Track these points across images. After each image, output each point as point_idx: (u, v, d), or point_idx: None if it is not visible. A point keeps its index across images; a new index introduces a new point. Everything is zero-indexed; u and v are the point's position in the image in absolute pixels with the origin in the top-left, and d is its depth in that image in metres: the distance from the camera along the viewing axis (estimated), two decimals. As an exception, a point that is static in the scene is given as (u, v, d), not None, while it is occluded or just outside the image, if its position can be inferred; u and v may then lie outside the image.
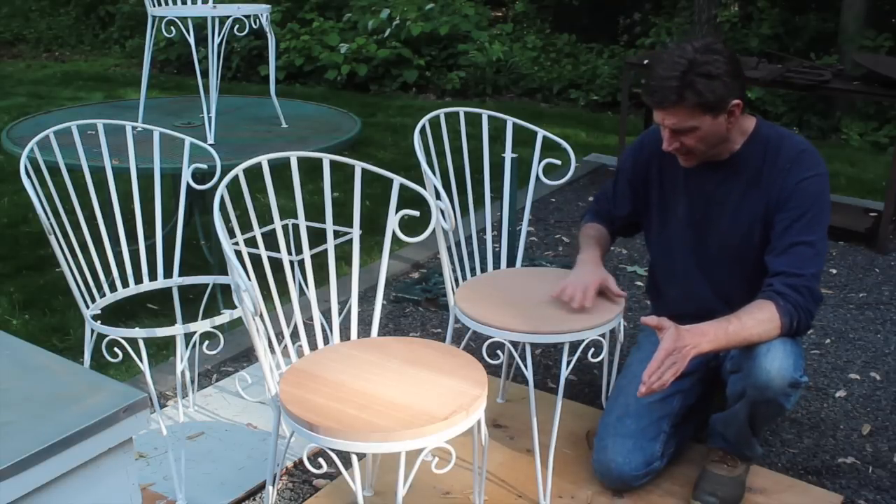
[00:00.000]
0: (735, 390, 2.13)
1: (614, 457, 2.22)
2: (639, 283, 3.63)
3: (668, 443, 2.28)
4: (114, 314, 2.90)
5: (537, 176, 2.57)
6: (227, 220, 1.94)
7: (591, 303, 2.19)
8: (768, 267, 2.13)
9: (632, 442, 2.23)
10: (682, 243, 2.35)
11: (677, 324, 2.42)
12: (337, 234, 2.22)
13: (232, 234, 2.01)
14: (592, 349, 2.28)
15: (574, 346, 2.14)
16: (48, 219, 2.15)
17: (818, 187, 2.15)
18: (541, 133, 2.59)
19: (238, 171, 1.97)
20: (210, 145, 2.76)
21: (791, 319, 2.05)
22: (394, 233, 2.06)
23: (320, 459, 2.26)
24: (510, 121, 2.60)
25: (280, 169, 2.48)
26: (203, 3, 3.67)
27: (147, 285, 2.48)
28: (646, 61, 4.62)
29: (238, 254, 1.83)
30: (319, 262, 2.24)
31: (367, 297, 3.44)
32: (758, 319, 2.04)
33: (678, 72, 2.04)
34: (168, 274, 2.51)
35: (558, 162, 2.55)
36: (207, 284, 2.51)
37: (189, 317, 2.45)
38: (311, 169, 4.07)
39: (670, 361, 1.96)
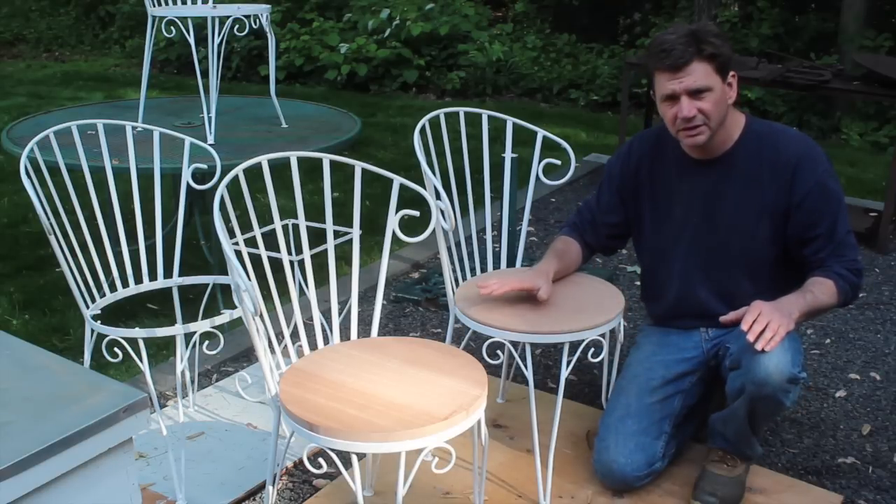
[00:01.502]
0: (734, 387, 2.13)
1: (616, 457, 2.22)
2: (639, 283, 3.62)
3: (669, 443, 2.28)
4: (114, 314, 2.90)
5: (537, 176, 2.57)
6: (227, 220, 1.94)
7: (498, 293, 2.19)
8: (821, 264, 2.21)
9: (634, 442, 2.22)
10: (679, 245, 2.34)
11: (676, 323, 2.44)
12: (337, 234, 2.22)
13: (232, 234, 2.01)
14: (592, 349, 2.28)
15: (574, 346, 2.14)
16: (48, 219, 2.15)
17: (834, 183, 2.21)
18: (541, 133, 2.59)
19: (238, 171, 1.97)
20: (210, 145, 2.76)
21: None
22: (394, 233, 2.06)
23: (320, 459, 2.26)
24: (510, 121, 2.60)
25: (280, 169, 2.48)
26: (203, 3, 3.67)
27: (147, 285, 2.48)
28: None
29: (238, 254, 1.83)
30: (319, 262, 2.24)
31: (367, 297, 3.44)
32: (825, 293, 2.17)
33: (687, 30, 2.12)
34: (168, 274, 2.51)
35: (558, 162, 2.55)
36: (207, 284, 2.51)
37: (189, 317, 2.45)
38: (311, 169, 4.07)
39: (766, 320, 2.00)
